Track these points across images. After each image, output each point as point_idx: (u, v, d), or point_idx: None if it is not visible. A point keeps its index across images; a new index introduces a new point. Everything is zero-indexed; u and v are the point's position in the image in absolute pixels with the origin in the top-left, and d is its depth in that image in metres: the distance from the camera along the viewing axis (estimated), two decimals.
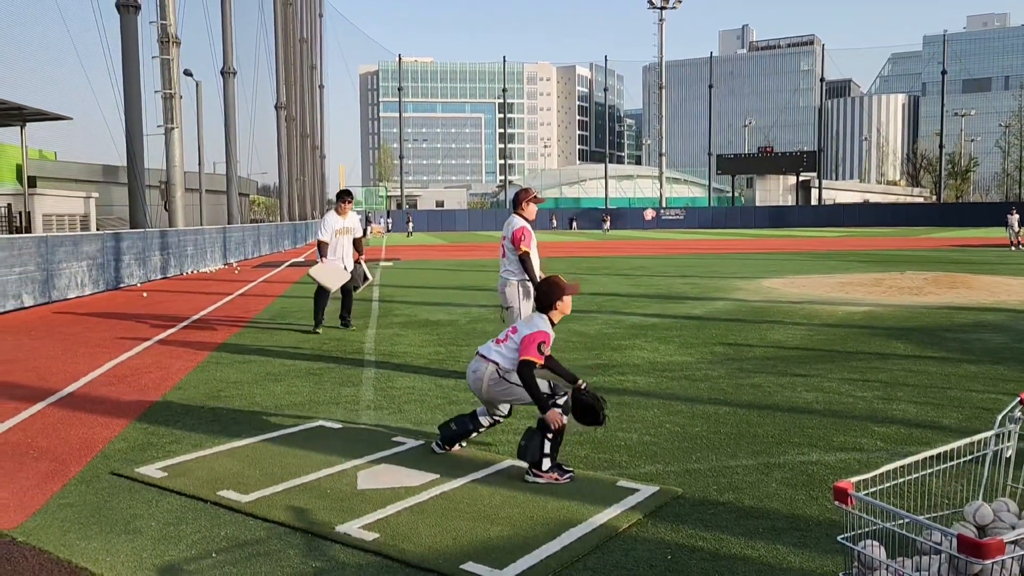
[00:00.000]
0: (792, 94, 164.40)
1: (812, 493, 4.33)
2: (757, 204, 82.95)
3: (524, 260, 7.09)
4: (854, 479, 2.35)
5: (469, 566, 3.47)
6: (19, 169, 31.68)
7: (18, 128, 26.19)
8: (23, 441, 5.58)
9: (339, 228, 10.62)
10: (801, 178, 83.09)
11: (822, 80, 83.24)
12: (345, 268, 10.68)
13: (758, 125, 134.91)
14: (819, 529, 3.84)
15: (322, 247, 10.61)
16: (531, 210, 7.28)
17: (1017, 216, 31.42)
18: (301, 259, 31.44)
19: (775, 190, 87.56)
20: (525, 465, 4.66)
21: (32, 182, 29.54)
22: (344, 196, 10.84)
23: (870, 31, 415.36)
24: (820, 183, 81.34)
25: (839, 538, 2.43)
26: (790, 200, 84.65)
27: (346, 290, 10.84)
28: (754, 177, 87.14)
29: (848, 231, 56.99)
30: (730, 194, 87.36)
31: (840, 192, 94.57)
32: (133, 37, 21.13)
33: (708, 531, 3.83)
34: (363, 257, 11.03)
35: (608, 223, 65.42)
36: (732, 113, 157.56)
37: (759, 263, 24.08)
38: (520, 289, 7.19)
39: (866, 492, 2.36)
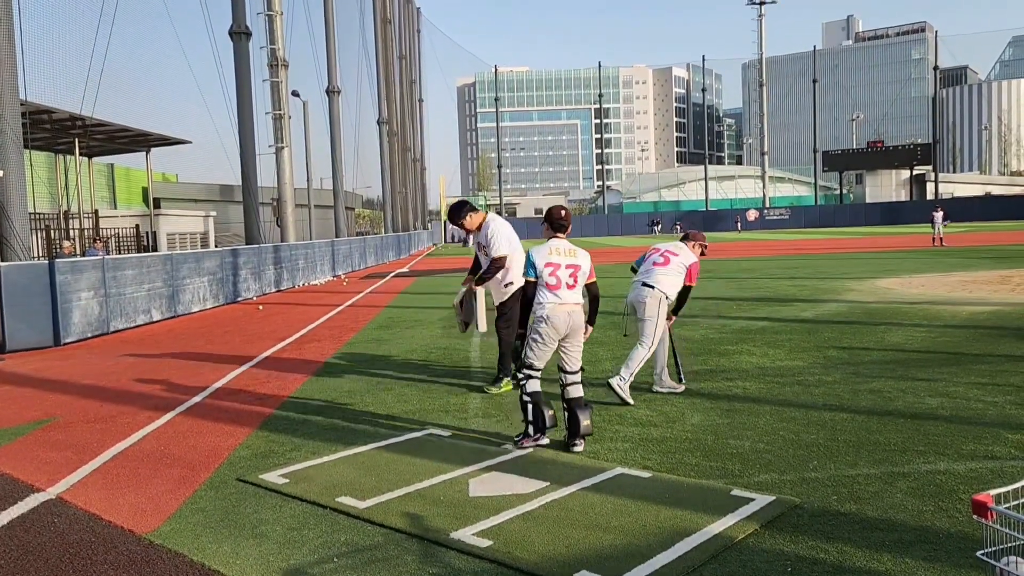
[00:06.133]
0: (903, 85, 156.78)
1: (941, 504, 4.12)
2: (868, 201, 79.44)
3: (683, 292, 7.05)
4: (993, 492, 2.23)
5: (583, 575, 3.47)
6: (145, 192, 33.78)
7: (144, 153, 27.98)
8: (157, 449, 5.94)
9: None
10: (915, 172, 79.09)
11: (936, 68, 79.07)
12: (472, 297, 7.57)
13: (867, 119, 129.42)
14: (951, 543, 3.65)
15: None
16: (697, 251, 7.23)
17: (943, 213, 32.52)
18: (406, 269, 32.21)
19: (887, 186, 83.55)
20: (640, 474, 4.69)
21: (157, 203, 31.48)
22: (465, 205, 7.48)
23: (986, 14, 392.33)
24: (936, 176, 77.21)
25: (978, 554, 2.31)
26: (903, 195, 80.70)
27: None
28: (863, 173, 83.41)
29: (969, 226, 53.90)
30: (838, 191, 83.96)
31: (959, 185, 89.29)
32: (245, 62, 22.19)
33: (830, 543, 3.70)
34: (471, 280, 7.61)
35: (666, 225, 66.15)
36: (838, 108, 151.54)
37: (872, 262, 23.07)
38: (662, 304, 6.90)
39: (1007, 505, 2.23)
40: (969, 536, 3.67)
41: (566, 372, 5.47)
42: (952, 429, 5.49)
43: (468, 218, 7.35)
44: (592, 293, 5.69)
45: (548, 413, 5.37)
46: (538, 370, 5.44)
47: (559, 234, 5.62)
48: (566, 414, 5.41)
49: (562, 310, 5.37)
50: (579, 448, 5.30)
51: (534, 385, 5.42)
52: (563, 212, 5.68)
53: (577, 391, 5.42)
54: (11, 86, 12.48)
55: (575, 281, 5.47)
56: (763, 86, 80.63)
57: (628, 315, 7.20)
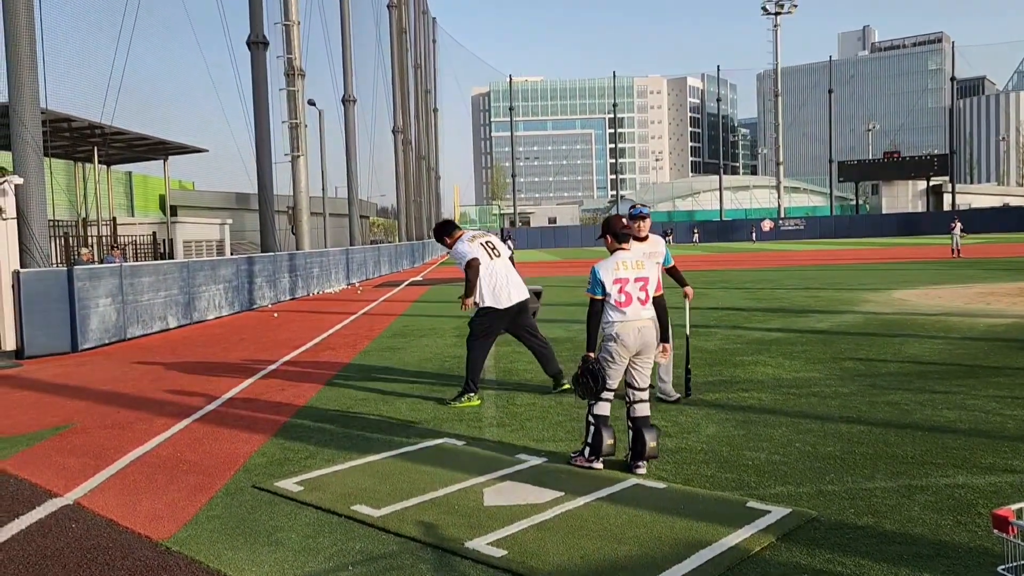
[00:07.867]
0: (919, 95, 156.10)
1: (960, 518, 4.08)
2: (884, 211, 78.98)
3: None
4: (1015, 506, 2.21)
5: None
6: (162, 199, 34.10)
7: (161, 161, 28.25)
8: (173, 455, 5.97)
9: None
10: (932, 183, 78.60)
11: (952, 79, 78.65)
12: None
13: (882, 129, 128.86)
14: (969, 557, 3.61)
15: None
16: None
17: (960, 225, 32.50)
18: (420, 278, 32.27)
19: (903, 196, 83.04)
20: (654, 485, 4.69)
21: (174, 211, 31.77)
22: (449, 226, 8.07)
23: (1003, 24, 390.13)
24: (953, 187, 76.65)
25: (999, 568, 2.29)
26: (920, 206, 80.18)
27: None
28: (879, 183, 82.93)
29: (987, 237, 53.47)
30: (854, 202, 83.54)
31: (976, 196, 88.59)
32: (262, 71, 22.37)
33: (847, 556, 3.67)
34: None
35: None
36: (854, 118, 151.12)
37: (888, 273, 22.93)
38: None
39: None
40: (989, 551, 3.64)
41: (634, 388, 5.19)
42: (971, 442, 5.44)
43: (446, 239, 7.95)
44: (659, 305, 5.25)
45: (608, 441, 5.08)
46: (610, 390, 5.14)
47: (624, 245, 5.29)
48: (630, 433, 5.12)
49: (631, 327, 5.07)
50: (642, 470, 5.01)
51: (602, 408, 5.14)
52: (624, 220, 5.33)
53: (644, 409, 5.15)
54: (32, 94, 12.63)
55: (646, 296, 5.15)
56: (778, 96, 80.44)
57: None
